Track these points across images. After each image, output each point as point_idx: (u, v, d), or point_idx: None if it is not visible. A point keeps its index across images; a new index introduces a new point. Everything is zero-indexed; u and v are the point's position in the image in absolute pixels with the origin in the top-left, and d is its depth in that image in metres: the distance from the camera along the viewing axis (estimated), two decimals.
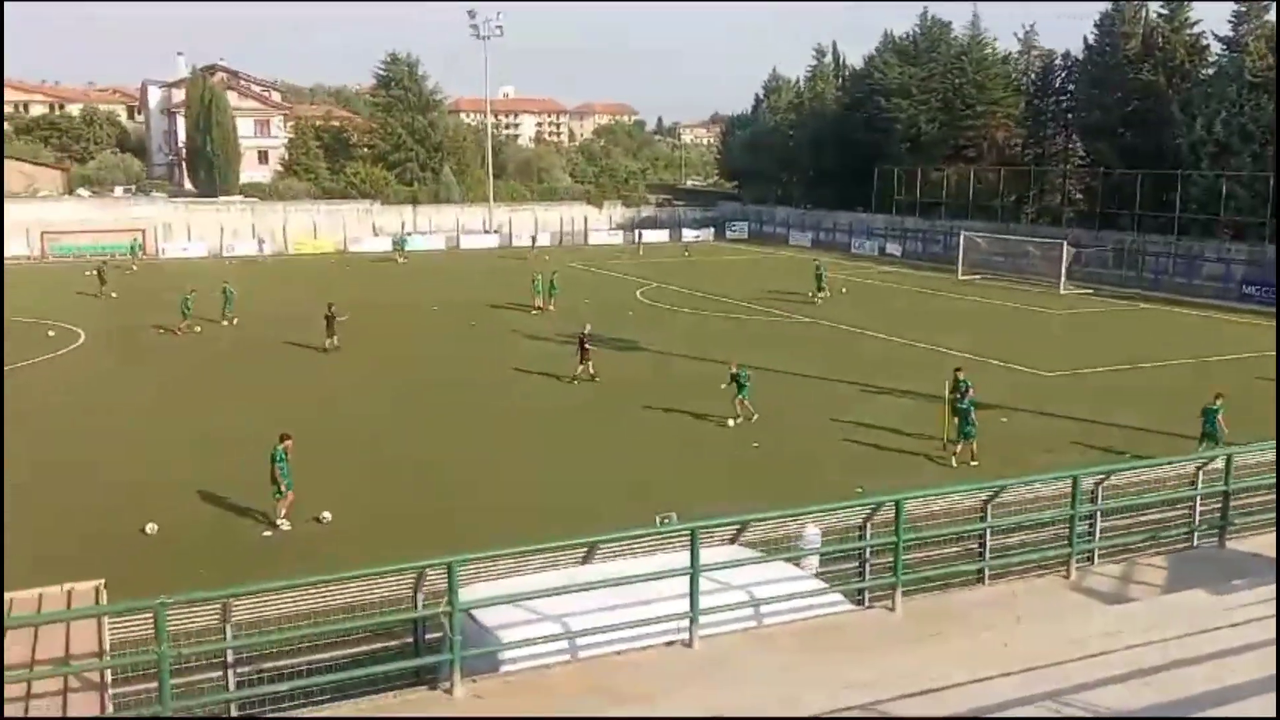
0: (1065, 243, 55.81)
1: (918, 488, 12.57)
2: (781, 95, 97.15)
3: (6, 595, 9.34)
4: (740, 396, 27.17)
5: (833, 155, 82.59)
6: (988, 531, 12.22)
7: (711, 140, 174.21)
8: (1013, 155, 76.27)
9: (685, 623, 9.85)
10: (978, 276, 58.57)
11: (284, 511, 20.04)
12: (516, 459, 24.57)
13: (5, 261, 63.21)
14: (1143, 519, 14.20)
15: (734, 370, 27.43)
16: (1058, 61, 75.66)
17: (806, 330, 42.47)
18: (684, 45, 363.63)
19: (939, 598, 11.46)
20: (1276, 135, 52.70)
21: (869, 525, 11.50)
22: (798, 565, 11.90)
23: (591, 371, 32.16)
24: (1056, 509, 12.29)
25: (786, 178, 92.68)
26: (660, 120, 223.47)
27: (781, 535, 12.05)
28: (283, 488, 19.92)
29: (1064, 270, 54.28)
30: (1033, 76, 78.00)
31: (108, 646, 8.56)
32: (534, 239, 76.91)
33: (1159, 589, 11.70)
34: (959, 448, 24.12)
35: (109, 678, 8.26)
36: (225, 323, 42.23)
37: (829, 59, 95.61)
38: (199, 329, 40.75)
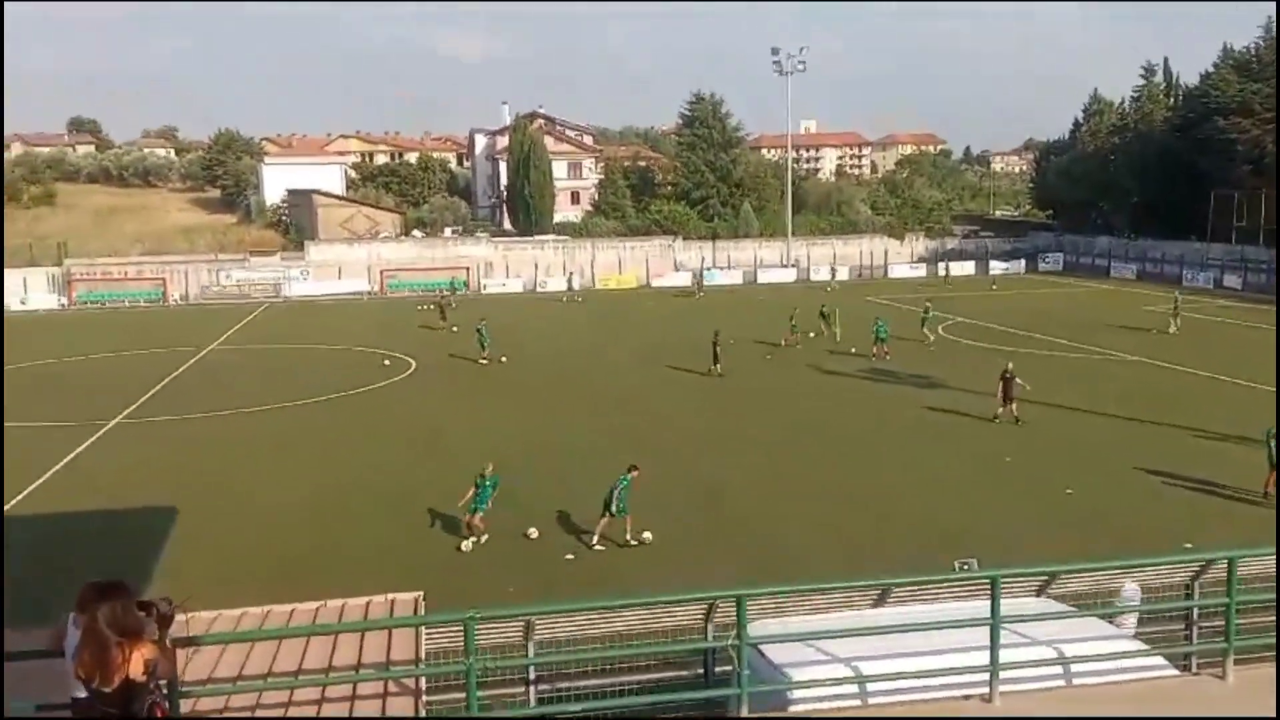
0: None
1: (1255, 545, 11.31)
2: (1103, 118, 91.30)
3: (341, 601, 10.18)
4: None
5: (1160, 181, 76.58)
6: None
7: (1024, 168, 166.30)
8: None
9: (984, 676, 9.33)
10: None
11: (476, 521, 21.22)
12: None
13: (348, 296, 70.30)
14: None
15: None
16: None
17: (1133, 371, 39.43)
18: (996, 69, 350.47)
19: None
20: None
21: (1197, 583, 10.47)
22: (1113, 623, 11.01)
23: (1015, 413, 30.38)
24: None
25: (1107, 206, 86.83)
26: (968, 149, 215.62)
27: (1096, 590, 11.19)
28: (474, 511, 21.16)
29: None
30: None
31: (424, 655, 9.14)
32: (699, 280, 74.17)
33: None
34: None
35: (423, 685, 8.82)
36: (485, 361, 42.49)
37: (1159, 78, 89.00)
38: (504, 359, 43.00)
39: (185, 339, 50.60)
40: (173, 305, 68.65)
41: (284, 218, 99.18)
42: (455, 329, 51.22)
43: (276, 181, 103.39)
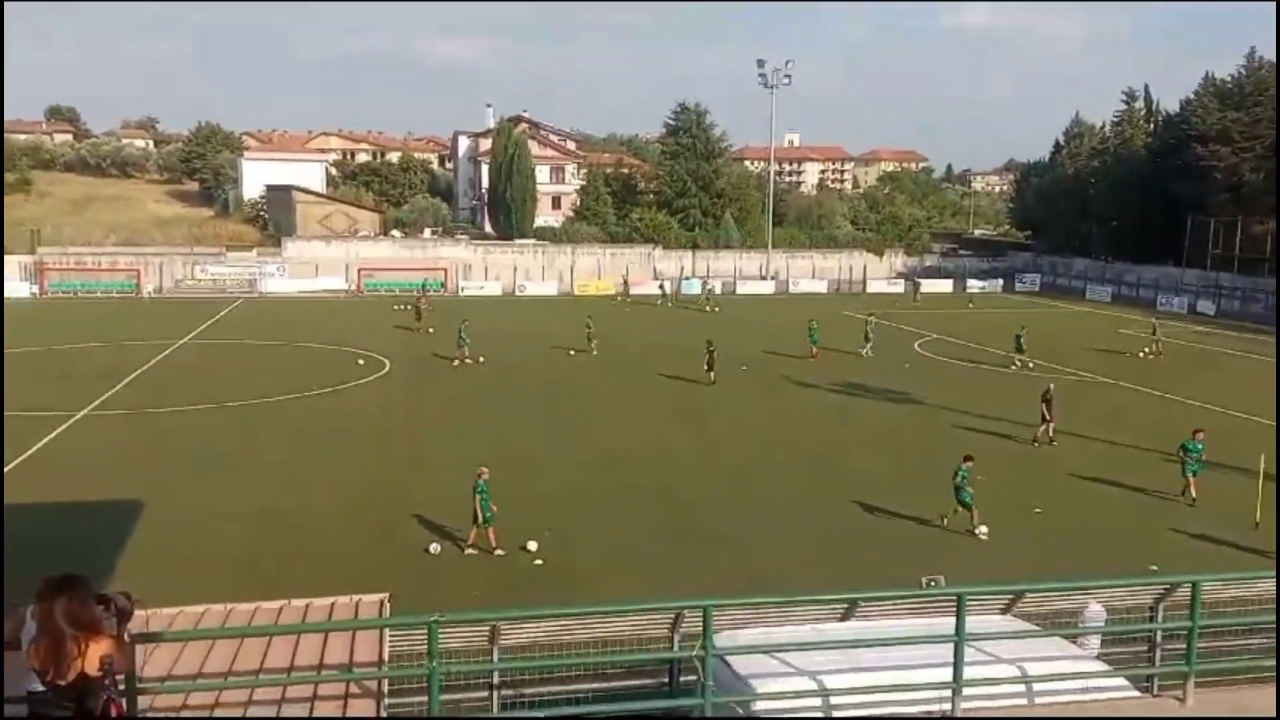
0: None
1: (1225, 570, 11.41)
2: (1084, 141, 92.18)
3: (305, 601, 10.10)
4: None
5: (1138, 205, 77.36)
6: None
7: (1004, 188, 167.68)
8: None
9: (947, 692, 9.35)
10: None
11: (473, 538, 20.90)
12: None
13: (325, 294, 70.04)
14: None
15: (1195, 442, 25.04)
16: None
17: (1105, 394, 39.75)
18: (979, 90, 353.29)
19: (1238, 693, 10.28)
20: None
21: (1161, 606, 10.53)
22: (1077, 644, 11.07)
23: (1051, 435, 30.43)
24: None
25: (1085, 228, 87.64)
26: (950, 167, 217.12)
27: (1060, 610, 11.24)
28: (482, 518, 20.72)
29: None
30: None
31: (387, 657, 9.08)
32: (710, 290, 73.27)
33: None
34: None
35: (385, 687, 8.76)
36: (458, 362, 42.63)
37: (1140, 104, 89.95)
38: (481, 359, 43.06)
39: (158, 332, 50.19)
40: (146, 298, 68.12)
41: (262, 213, 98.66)
42: (432, 330, 51.10)
43: (256, 176, 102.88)
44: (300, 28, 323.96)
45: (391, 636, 8.99)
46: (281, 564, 19.70)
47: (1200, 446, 24.81)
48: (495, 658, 9.74)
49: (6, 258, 69.25)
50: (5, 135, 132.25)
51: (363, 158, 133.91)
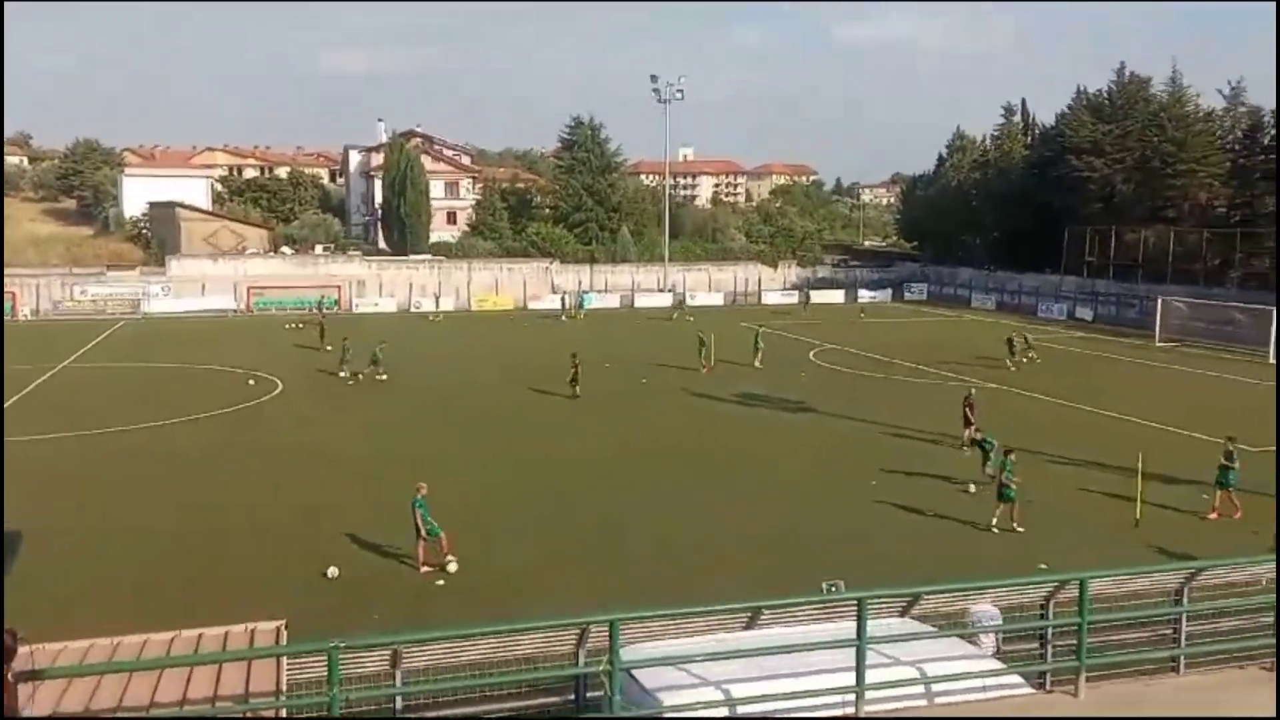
0: (1276, 310, 52.08)
1: (1109, 566, 11.84)
2: (966, 154, 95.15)
3: (197, 631, 9.80)
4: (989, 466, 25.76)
5: (1019, 215, 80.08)
6: (1184, 617, 11.37)
7: (891, 200, 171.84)
8: (1217, 216, 72.12)
9: (850, 696, 9.51)
10: (1177, 343, 55.37)
11: (423, 555, 20.69)
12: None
13: (212, 313, 68.23)
14: None
15: (979, 438, 26.63)
16: (1267, 118, 71.28)
17: (992, 397, 40.89)
18: (866, 104, 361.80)
19: (1127, 685, 10.70)
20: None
21: (1052, 604, 10.89)
22: (973, 643, 11.35)
23: (975, 437, 30.58)
24: (1263, 594, 11.34)
25: (969, 239, 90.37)
26: (839, 180, 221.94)
27: (957, 610, 11.53)
28: (424, 533, 20.53)
29: (1275, 339, 50.63)
30: (1239, 134, 73.78)
31: (285, 686, 8.85)
32: (680, 301, 76.38)
33: None
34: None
35: (283, 714, 8.54)
36: (352, 380, 42.68)
37: (1017, 117, 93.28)
38: (382, 376, 42.58)
39: (36, 355, 48.13)
40: (23, 320, 65.29)
41: (145, 231, 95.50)
42: (330, 347, 50.19)
43: (138, 194, 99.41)
44: (182, 40, 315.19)
45: (290, 665, 8.77)
46: (174, 594, 19.04)
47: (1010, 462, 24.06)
48: (398, 682, 9.57)
49: None
50: None
51: (250, 173, 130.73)
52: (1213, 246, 67.40)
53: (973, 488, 25.96)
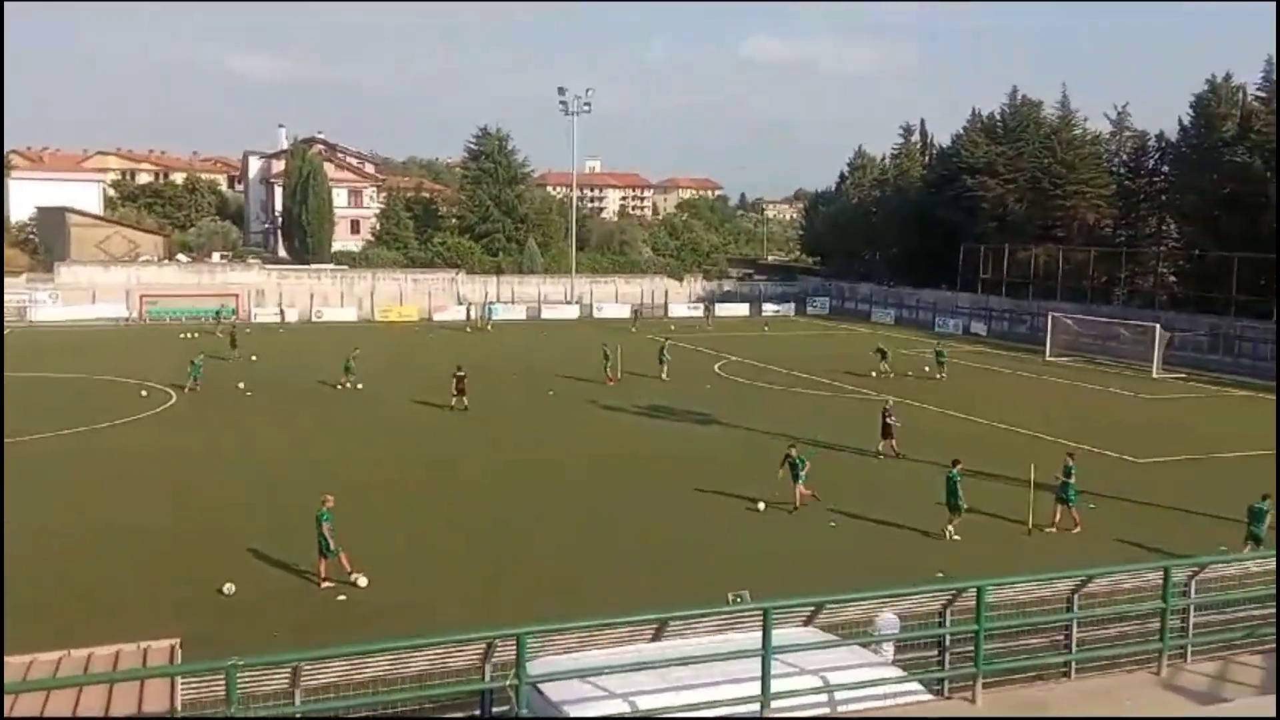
0: (1159, 326, 54.36)
1: (1003, 574, 12.16)
2: (866, 172, 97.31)
3: (86, 651, 9.47)
4: (799, 482, 25.97)
5: (917, 233, 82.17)
6: (1074, 623, 11.73)
7: (794, 216, 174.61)
8: (1103, 236, 75.02)
9: (756, 706, 9.60)
10: (1066, 358, 57.32)
11: (324, 570, 20.35)
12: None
13: (103, 322, 66.07)
14: (1240, 614, 13.52)
15: (792, 454, 26.42)
16: (1151, 142, 74.51)
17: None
18: (772, 121, 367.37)
19: (1022, 691, 11.00)
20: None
21: (949, 611, 11.12)
22: (875, 651, 11.54)
23: (894, 449, 31.76)
24: (1148, 601, 11.77)
25: (869, 254, 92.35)
26: (744, 196, 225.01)
27: (858, 619, 11.71)
28: (333, 546, 20.17)
29: (1159, 354, 52.81)
30: (1125, 157, 76.90)
31: (180, 706, 8.59)
32: (638, 312, 76.36)
33: (1255, 689, 11.09)
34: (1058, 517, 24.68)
35: None
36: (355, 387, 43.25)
37: (916, 138, 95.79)
38: (250, 393, 41.88)
39: None
40: None
41: (31, 236, 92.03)
42: (255, 358, 49.48)
43: (25, 197, 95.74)
44: (71, 35, 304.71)
45: (185, 684, 8.51)
46: (62, 613, 18.29)
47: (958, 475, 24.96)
48: (298, 700, 9.33)
49: None
50: None
51: (144, 178, 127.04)
52: (1100, 265, 70.01)
53: (762, 505, 26.03)
